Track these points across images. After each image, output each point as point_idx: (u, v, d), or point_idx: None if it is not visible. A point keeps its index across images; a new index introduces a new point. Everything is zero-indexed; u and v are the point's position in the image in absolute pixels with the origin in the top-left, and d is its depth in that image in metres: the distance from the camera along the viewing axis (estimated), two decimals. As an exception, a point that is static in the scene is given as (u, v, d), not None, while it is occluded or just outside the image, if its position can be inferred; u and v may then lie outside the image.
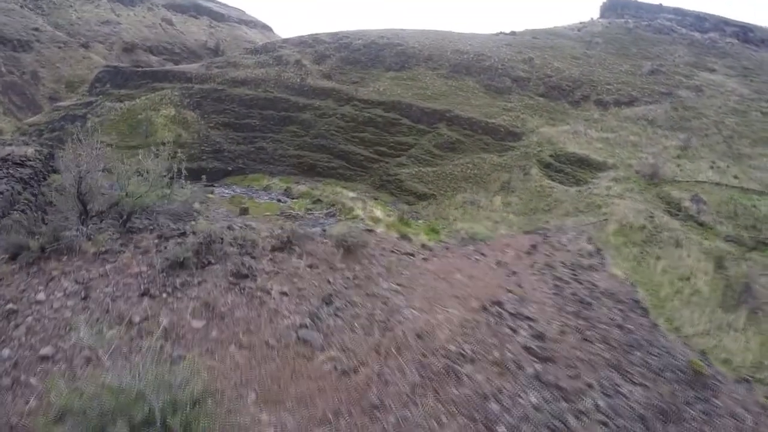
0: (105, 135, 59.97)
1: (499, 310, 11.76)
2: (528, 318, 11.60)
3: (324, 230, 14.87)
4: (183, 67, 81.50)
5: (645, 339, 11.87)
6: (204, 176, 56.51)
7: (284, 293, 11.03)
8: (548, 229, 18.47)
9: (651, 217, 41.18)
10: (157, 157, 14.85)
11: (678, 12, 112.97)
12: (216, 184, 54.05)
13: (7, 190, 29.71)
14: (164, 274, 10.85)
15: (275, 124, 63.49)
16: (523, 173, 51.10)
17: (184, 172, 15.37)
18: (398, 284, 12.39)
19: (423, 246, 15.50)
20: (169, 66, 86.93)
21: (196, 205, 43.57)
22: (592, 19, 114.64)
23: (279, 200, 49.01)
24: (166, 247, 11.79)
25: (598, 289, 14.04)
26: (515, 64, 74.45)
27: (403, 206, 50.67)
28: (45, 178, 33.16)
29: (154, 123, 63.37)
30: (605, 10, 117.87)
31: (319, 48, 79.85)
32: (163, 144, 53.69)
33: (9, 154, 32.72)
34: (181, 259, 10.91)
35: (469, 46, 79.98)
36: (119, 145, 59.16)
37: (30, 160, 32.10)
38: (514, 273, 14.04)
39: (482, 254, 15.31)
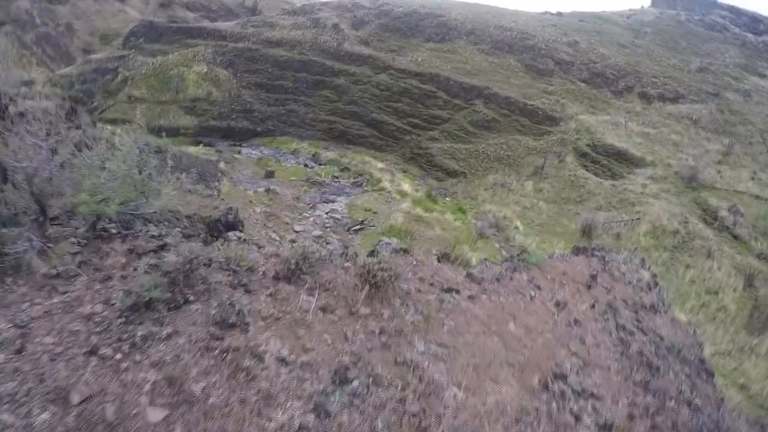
0: (135, 89, 59.48)
1: (562, 387, 9.52)
2: (593, 395, 9.51)
3: (345, 249, 11.03)
4: (218, 24, 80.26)
5: (713, 421, 10.44)
6: (232, 136, 56.68)
7: (283, 360, 7.63)
8: (603, 249, 16.57)
9: (685, 222, 39.55)
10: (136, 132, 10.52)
11: (733, 10, 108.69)
12: (244, 144, 53.38)
13: (20, 149, 29.09)
14: (123, 319, 7.51)
15: (308, 87, 62.31)
16: (557, 160, 49.60)
17: (170, 162, 11.36)
18: (439, 343, 9.30)
19: (469, 277, 12.44)
20: (205, 23, 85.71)
21: (222, 165, 43.21)
22: (642, 7, 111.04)
23: (306, 165, 48.20)
24: (136, 269, 8.37)
25: (663, 344, 12.63)
26: (559, 46, 72.10)
27: (431, 182, 49.59)
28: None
29: (186, 79, 62.45)
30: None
31: (358, 13, 78.09)
32: (194, 101, 53.24)
33: (26, 110, 31.76)
34: (147, 299, 7.61)
35: (513, 24, 77.64)
36: (149, 100, 58.59)
37: (50, 114, 31.44)
38: (576, 322, 12.13)
39: (537, 287, 13.20)
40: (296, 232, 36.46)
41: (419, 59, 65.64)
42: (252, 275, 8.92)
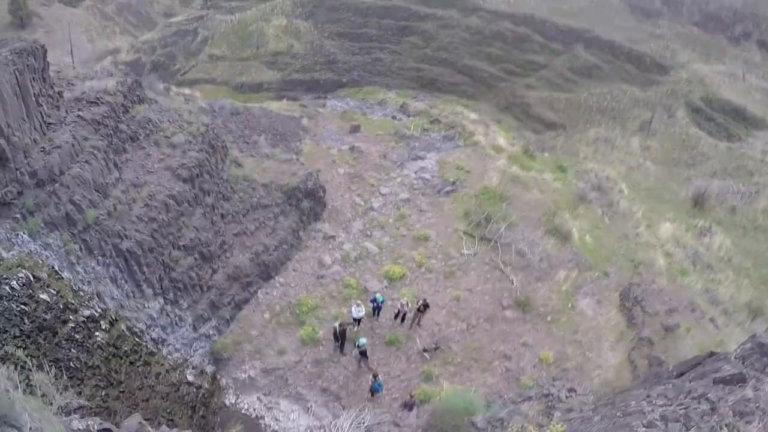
0: (215, 48, 58.52)
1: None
2: None
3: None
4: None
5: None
6: (316, 88, 55.11)
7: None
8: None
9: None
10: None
11: None
12: (329, 96, 51.72)
13: (68, 142, 26.21)
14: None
15: (393, 34, 59.21)
16: (667, 115, 45.30)
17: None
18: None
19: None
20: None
21: (305, 122, 41.77)
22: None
23: (394, 117, 46.03)
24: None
25: None
26: (669, -20, 65.44)
27: (528, 134, 46.54)
28: (127, 111, 29.98)
29: (266, 34, 60.74)
30: None
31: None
32: (275, 55, 51.57)
33: (83, 93, 29.34)
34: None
35: (616, -45, 70.92)
36: (230, 58, 57.61)
37: (109, 94, 29.46)
38: None
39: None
40: (382, 195, 34.97)
41: (512, -1, 61.15)
42: None
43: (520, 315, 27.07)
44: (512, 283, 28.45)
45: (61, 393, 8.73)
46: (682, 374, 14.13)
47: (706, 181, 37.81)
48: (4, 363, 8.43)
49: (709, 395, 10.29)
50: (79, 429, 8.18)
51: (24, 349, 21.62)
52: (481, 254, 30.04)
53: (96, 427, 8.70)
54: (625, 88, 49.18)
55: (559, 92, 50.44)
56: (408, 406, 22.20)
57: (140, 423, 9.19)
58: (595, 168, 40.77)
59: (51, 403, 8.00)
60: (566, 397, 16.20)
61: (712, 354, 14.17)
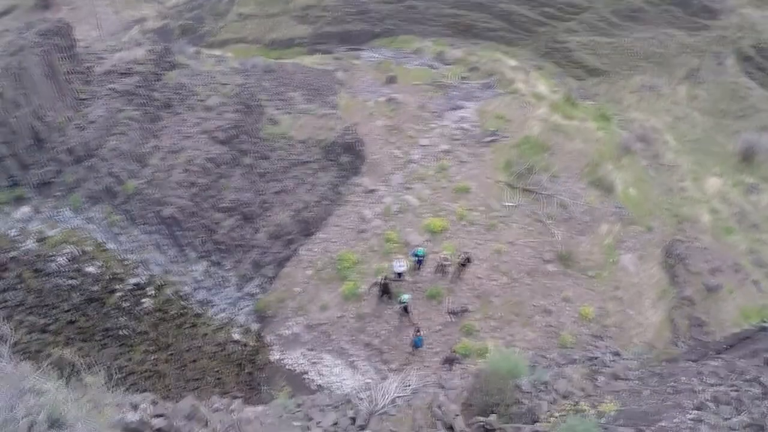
0: (243, 6, 57.01)
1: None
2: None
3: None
4: None
5: None
6: (349, 39, 53.52)
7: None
8: None
9: None
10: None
11: None
12: (363, 48, 50.39)
13: (102, 116, 26.65)
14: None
15: (428, -22, 56.99)
16: (716, 62, 43.30)
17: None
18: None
19: None
20: None
21: (339, 75, 40.97)
22: None
23: (431, 66, 44.89)
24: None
25: None
26: None
27: (570, 81, 45.09)
28: (159, 79, 30.14)
29: None
30: None
31: None
32: (305, 8, 49.85)
33: (114, 65, 29.61)
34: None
35: None
36: (259, 15, 56.10)
37: (140, 64, 29.71)
38: None
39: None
40: (422, 147, 34.47)
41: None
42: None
43: (562, 269, 26.93)
44: (554, 236, 28.19)
45: (112, 391, 8.93)
46: (730, 347, 13.96)
47: (756, 134, 36.38)
48: (55, 366, 8.75)
49: (761, 378, 10.25)
50: (133, 422, 8.35)
51: (73, 323, 22.39)
52: (522, 206, 29.74)
53: (150, 413, 8.92)
54: (671, 33, 46.92)
55: (602, 37, 48.37)
56: (449, 361, 22.45)
57: (193, 405, 9.44)
58: (639, 117, 39.60)
59: (103, 405, 8.16)
60: (611, 361, 16.14)
61: (763, 329, 13.90)
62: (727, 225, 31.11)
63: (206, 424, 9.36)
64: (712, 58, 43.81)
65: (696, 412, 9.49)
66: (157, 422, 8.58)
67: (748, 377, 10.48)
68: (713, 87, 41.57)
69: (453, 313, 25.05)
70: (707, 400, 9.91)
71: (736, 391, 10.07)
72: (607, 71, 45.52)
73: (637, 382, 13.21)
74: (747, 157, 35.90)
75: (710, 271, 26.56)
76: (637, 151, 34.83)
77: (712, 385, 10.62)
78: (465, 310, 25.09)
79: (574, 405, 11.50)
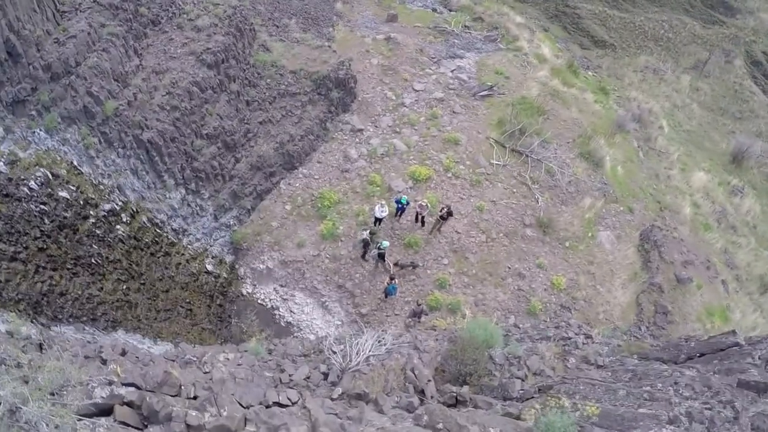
0: None
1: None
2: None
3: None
4: None
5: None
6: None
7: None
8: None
9: None
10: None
11: None
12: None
13: (83, 30, 24.45)
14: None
15: None
16: (724, 59, 42.80)
17: None
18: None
19: None
20: None
21: (339, 6, 38.77)
22: None
23: (434, 10, 42.99)
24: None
25: None
26: None
27: (574, 48, 43.97)
28: None
29: None
30: None
31: None
32: None
33: None
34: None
35: None
36: None
37: None
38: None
39: None
40: (415, 91, 33.19)
41: None
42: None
43: (540, 235, 26.65)
44: (537, 201, 27.74)
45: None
46: (702, 354, 13.79)
47: (750, 139, 36.21)
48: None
49: (735, 404, 10.25)
50: (103, 397, 7.72)
51: (44, 250, 21.12)
52: (510, 167, 29.08)
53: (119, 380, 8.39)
54: (685, 21, 46.02)
55: (614, 10, 47.18)
56: (416, 314, 21.90)
57: (165, 372, 8.81)
58: (638, 98, 38.90)
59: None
60: (583, 344, 15.99)
61: (736, 344, 13.66)
62: (706, 221, 31.10)
63: (179, 391, 8.73)
64: (722, 54, 43.15)
65: (670, 426, 9.49)
66: (127, 393, 7.88)
67: (722, 399, 10.46)
68: (717, 83, 41.06)
69: (400, 266, 24.52)
70: (681, 414, 9.95)
71: (710, 410, 10.07)
72: (614, 45, 44.58)
73: (609, 374, 13.09)
74: (737, 159, 35.81)
75: (683, 263, 26.48)
76: (631, 131, 34.19)
77: (687, 399, 10.66)
78: (415, 266, 24.60)
79: (556, 397, 11.35)
